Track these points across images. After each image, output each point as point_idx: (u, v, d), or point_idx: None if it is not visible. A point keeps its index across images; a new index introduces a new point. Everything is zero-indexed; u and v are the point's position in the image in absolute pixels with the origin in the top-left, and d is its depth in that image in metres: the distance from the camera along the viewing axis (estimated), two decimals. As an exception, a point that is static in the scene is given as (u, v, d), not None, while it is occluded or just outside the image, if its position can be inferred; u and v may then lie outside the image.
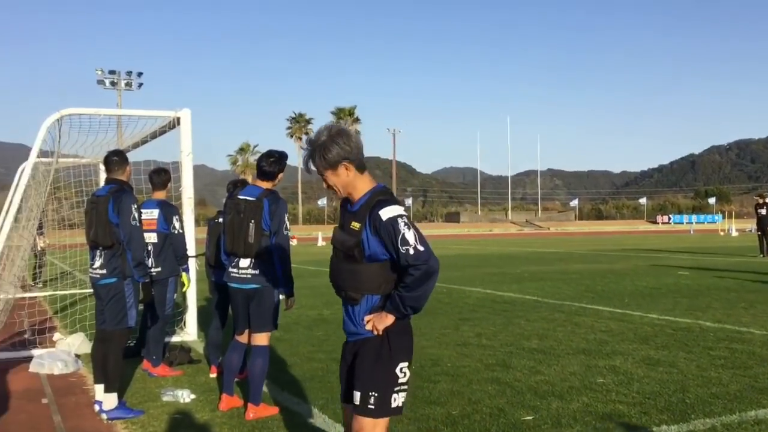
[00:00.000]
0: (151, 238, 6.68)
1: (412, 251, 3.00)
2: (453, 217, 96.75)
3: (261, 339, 5.31)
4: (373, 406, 3.08)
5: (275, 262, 5.26)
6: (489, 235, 66.79)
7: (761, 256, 23.08)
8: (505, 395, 5.70)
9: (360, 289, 3.14)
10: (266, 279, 5.25)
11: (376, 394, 3.07)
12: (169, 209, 6.99)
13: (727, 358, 6.88)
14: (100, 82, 61.55)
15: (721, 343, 7.64)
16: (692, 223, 79.09)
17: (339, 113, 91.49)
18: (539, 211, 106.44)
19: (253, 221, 5.22)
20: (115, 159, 5.66)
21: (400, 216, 3.05)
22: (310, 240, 46.88)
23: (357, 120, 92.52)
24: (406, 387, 3.16)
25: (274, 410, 5.35)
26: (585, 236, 55.08)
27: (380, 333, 3.10)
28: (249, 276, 5.27)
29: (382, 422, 3.12)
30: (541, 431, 4.79)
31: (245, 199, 5.32)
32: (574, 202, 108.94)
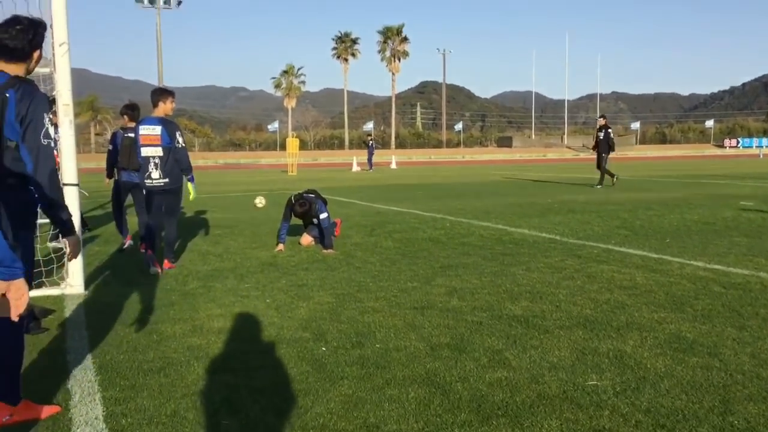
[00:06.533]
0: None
1: None
2: (505, 142, 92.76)
3: None
4: None
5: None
6: (541, 160, 63.39)
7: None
8: (427, 413, 3.50)
9: None
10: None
11: None
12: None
13: (800, 343, 4.50)
14: None
15: (793, 314, 5.23)
16: (762, 146, 73.67)
17: (386, 32, 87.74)
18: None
19: None
20: None
21: None
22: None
23: (405, 39, 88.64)
24: None
25: None
26: (643, 161, 51.30)
27: None
28: None
29: None
30: None
31: None
32: (635, 125, 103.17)
